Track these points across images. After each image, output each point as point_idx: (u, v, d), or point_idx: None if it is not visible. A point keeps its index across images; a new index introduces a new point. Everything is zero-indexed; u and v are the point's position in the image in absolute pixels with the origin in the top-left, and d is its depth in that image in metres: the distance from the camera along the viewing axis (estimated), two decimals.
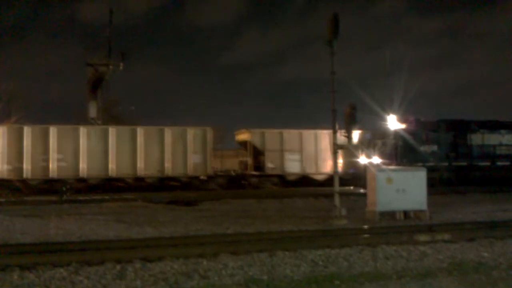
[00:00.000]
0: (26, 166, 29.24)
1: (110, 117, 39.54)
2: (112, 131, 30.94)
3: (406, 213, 16.96)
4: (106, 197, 25.51)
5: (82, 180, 30.15)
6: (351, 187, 31.63)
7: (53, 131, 29.84)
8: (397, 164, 30.23)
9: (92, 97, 37.05)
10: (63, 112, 48.52)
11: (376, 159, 31.31)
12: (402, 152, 30.91)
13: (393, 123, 32.17)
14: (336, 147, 18.24)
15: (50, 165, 29.55)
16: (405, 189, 16.88)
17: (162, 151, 31.12)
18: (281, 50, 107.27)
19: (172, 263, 9.75)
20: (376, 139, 32.69)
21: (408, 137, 31.13)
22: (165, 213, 19.29)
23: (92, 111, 36.78)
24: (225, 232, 14.14)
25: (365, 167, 31.77)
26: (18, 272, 9.02)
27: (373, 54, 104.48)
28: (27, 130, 29.57)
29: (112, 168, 30.51)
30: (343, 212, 16.75)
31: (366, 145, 32.76)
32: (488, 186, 29.23)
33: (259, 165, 33.82)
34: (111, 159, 30.46)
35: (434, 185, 29.71)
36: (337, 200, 17.09)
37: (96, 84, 37.23)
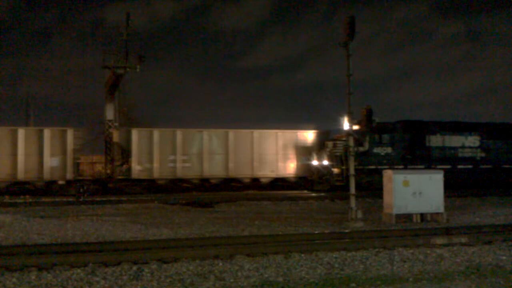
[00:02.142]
0: (156, 166, 30.43)
1: (127, 119, 39.76)
2: (231, 134, 32.02)
3: (423, 216, 16.84)
4: (123, 198, 25.66)
5: (205, 180, 31.34)
6: (305, 191, 30.92)
7: (179, 133, 31.11)
8: (346, 167, 28.90)
9: (110, 99, 37.30)
10: (82, 114, 48.85)
11: (325, 162, 30.62)
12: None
13: (345, 124, 31.41)
14: (352, 150, 18.15)
15: (177, 166, 30.75)
16: (422, 192, 16.77)
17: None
18: (301, 53, 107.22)
19: (188, 265, 9.79)
20: (327, 140, 31.72)
21: (359, 138, 29.59)
22: (181, 215, 19.36)
23: (109, 113, 37.03)
24: (241, 234, 14.15)
25: (316, 170, 31.60)
26: (36, 272, 9.13)
27: (394, 57, 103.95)
28: (156, 133, 30.84)
29: (231, 168, 31.60)
30: (359, 214, 16.67)
31: (317, 147, 32.05)
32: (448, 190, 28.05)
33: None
34: (230, 159, 31.67)
35: None
36: (353, 202, 17.02)
37: (114, 87, 37.48)
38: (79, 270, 9.27)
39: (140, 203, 23.73)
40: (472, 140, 31.86)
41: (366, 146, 29.78)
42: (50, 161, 28.98)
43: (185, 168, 30.99)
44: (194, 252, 10.77)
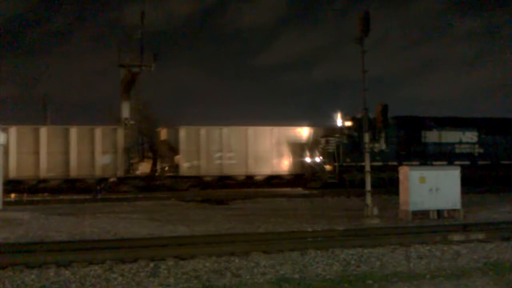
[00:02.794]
0: (203, 163, 30.97)
1: (143, 118, 39.91)
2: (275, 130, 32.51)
3: (439, 212, 16.73)
4: (140, 195, 25.84)
5: (249, 177, 31.80)
6: (299, 188, 30.58)
7: (225, 131, 31.73)
8: (340, 164, 29.03)
9: (125, 98, 37.54)
10: (99, 113, 49.27)
11: (318, 158, 30.20)
12: (345, 151, 29.32)
13: (338, 120, 30.89)
14: (368, 147, 18.09)
15: (223, 162, 31.39)
16: (438, 188, 16.66)
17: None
18: (317, 50, 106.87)
19: (205, 261, 9.83)
20: (320, 137, 31.15)
21: (352, 135, 29.41)
22: (197, 212, 19.45)
23: (125, 111, 37.28)
24: (256, 231, 14.17)
25: (309, 167, 31.23)
26: (54, 269, 9.22)
27: (410, 53, 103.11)
28: (203, 130, 31.43)
29: (276, 164, 32.04)
30: (375, 211, 16.62)
31: (310, 143, 31.61)
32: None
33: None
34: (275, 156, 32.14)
35: (383, 185, 28.26)
36: (369, 199, 16.97)
37: (129, 85, 37.69)
38: (96, 267, 9.34)
39: (157, 200, 23.88)
40: (470, 136, 31.15)
41: (382, 143, 29.58)
42: (102, 159, 29.79)
43: (231, 165, 31.39)
44: (210, 249, 10.82)
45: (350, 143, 29.47)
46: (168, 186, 30.36)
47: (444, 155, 30.11)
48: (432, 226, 14.57)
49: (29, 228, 14.72)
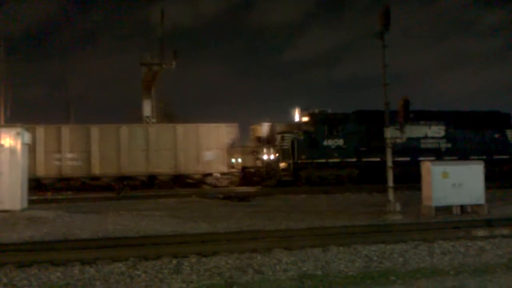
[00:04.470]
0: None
1: (164, 115, 40.27)
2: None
3: (463, 208, 16.56)
4: (162, 193, 26.04)
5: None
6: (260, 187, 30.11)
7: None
8: (295, 161, 28.39)
9: (147, 96, 37.89)
10: (120, 112, 49.87)
11: (272, 156, 29.79)
12: (300, 148, 28.59)
13: (296, 116, 30.28)
14: (389, 141, 17.96)
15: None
16: (461, 183, 16.49)
17: None
18: (342, 47, 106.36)
19: (227, 258, 9.87)
20: (276, 133, 30.49)
21: (309, 131, 28.81)
22: (218, 209, 19.52)
23: (147, 109, 37.61)
24: (278, 228, 14.18)
25: (265, 164, 30.75)
26: (79, 266, 9.34)
27: (434, 48, 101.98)
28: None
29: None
30: (398, 207, 16.49)
31: (267, 140, 31.15)
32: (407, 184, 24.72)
33: None
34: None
35: (342, 182, 28.09)
36: (391, 195, 16.85)
37: (150, 83, 38.03)
38: (120, 264, 9.45)
39: (179, 198, 24.03)
40: (437, 130, 29.96)
41: (404, 138, 29.08)
42: (206, 155, 30.84)
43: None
44: (233, 245, 10.86)
45: (307, 139, 28.78)
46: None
47: (408, 151, 28.55)
48: (456, 221, 14.42)
49: (54, 226, 14.93)
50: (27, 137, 19.42)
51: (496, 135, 30.99)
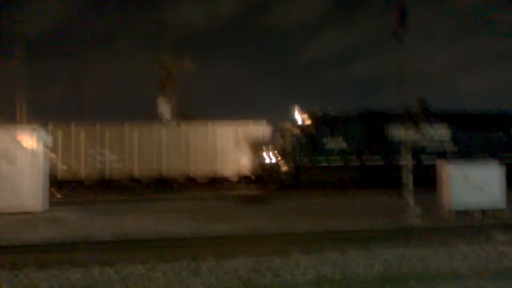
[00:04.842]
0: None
1: (180, 114, 40.43)
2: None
3: (484, 212, 16.37)
4: (179, 195, 26.12)
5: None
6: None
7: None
8: (296, 163, 27.76)
9: (162, 95, 38.14)
10: (138, 111, 50.19)
11: (274, 158, 28.96)
12: (300, 149, 27.82)
13: (296, 115, 28.94)
14: (408, 143, 17.83)
15: None
16: (482, 187, 16.30)
17: None
18: (358, 47, 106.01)
19: (245, 261, 9.87)
20: (277, 134, 29.66)
21: (310, 131, 28.05)
22: (236, 211, 19.52)
23: (163, 109, 37.82)
24: (296, 231, 14.13)
25: (267, 167, 29.49)
26: (99, 268, 9.41)
27: (452, 46, 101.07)
28: None
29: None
30: (418, 211, 16.35)
31: (268, 141, 30.17)
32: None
33: None
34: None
35: (345, 186, 27.22)
36: (410, 198, 16.71)
37: (166, 83, 38.32)
38: (139, 266, 9.50)
39: (196, 200, 24.09)
40: (441, 132, 29.03)
41: (423, 140, 28.71)
42: (241, 156, 30.66)
43: None
44: (250, 248, 10.86)
45: (308, 141, 28.09)
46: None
47: (412, 153, 28.16)
48: (476, 225, 14.26)
49: (74, 228, 15.08)
50: (49, 139, 19.64)
51: (504, 137, 29.96)
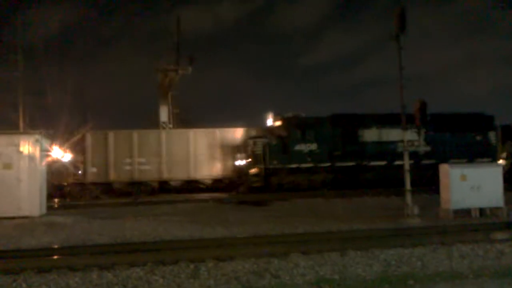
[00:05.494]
0: None
1: (181, 121, 40.41)
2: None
3: (482, 211, 16.40)
4: (179, 198, 26.12)
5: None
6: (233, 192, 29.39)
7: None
8: (265, 165, 27.83)
9: (163, 102, 38.10)
10: (139, 118, 50.31)
11: (244, 161, 29.12)
12: (270, 151, 27.92)
13: (268, 120, 29.48)
14: (407, 145, 17.86)
15: None
16: (480, 186, 16.32)
17: None
18: (360, 49, 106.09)
19: (244, 263, 9.87)
20: (249, 138, 29.68)
21: (281, 135, 28.17)
22: (235, 214, 19.51)
23: (163, 115, 37.80)
24: (295, 232, 14.14)
25: (238, 170, 29.53)
26: (97, 271, 9.40)
27: (452, 49, 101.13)
28: None
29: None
30: (416, 210, 16.36)
31: (241, 145, 30.23)
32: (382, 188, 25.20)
33: None
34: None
35: (316, 188, 27.30)
36: (409, 198, 16.74)
37: (166, 89, 38.25)
38: (138, 269, 9.49)
39: (196, 203, 24.08)
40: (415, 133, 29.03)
41: (421, 142, 28.57)
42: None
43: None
44: (249, 250, 10.85)
45: (279, 144, 28.18)
46: None
47: (384, 155, 28.10)
48: (474, 224, 14.29)
49: (72, 232, 15.05)
50: (46, 144, 19.63)
51: (478, 138, 29.91)
